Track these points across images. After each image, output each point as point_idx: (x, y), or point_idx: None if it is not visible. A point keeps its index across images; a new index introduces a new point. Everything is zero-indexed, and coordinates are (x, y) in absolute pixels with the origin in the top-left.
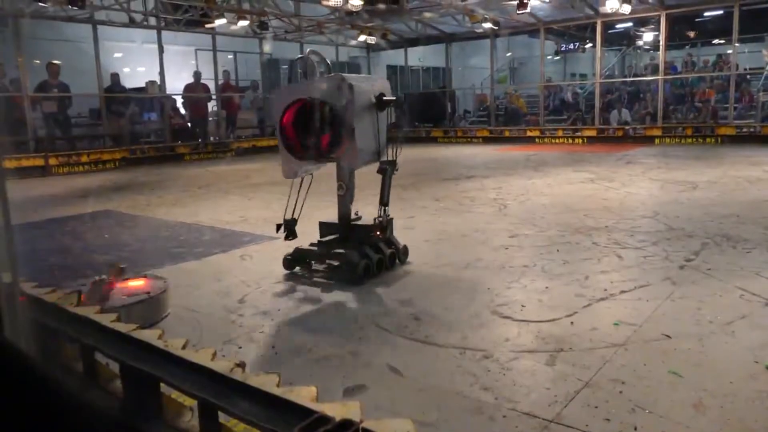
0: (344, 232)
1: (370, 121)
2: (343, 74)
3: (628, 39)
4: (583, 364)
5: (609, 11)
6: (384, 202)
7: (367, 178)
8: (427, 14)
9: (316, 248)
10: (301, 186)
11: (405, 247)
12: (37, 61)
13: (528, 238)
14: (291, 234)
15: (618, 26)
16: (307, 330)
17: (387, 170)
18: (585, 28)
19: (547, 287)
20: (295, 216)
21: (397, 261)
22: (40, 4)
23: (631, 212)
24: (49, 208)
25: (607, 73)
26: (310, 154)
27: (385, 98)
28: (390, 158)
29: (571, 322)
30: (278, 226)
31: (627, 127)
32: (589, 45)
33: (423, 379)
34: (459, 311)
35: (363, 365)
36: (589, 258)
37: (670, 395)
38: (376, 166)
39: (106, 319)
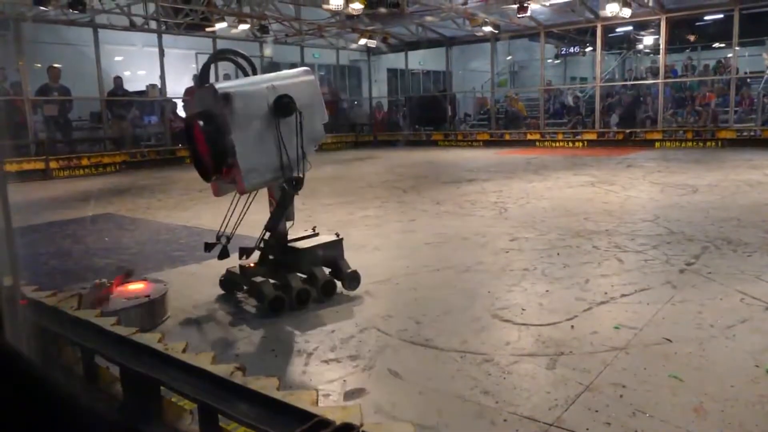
0: (278, 254)
1: (265, 133)
2: (221, 82)
3: (628, 42)
4: (584, 368)
5: (609, 15)
6: (269, 225)
7: (370, 179)
8: (428, 18)
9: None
10: (237, 200)
11: (353, 273)
12: (38, 65)
13: (528, 241)
14: (224, 254)
15: (618, 30)
16: None
17: (285, 190)
18: (585, 31)
19: (547, 291)
20: (228, 233)
21: (343, 288)
22: (41, 7)
23: (631, 216)
24: (50, 211)
25: (608, 76)
26: (207, 176)
27: (286, 101)
28: (298, 174)
29: (572, 326)
30: (207, 246)
31: (627, 131)
32: (590, 48)
33: (423, 383)
34: (459, 314)
35: (364, 368)
36: (589, 261)
37: (671, 399)
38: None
39: (107, 323)
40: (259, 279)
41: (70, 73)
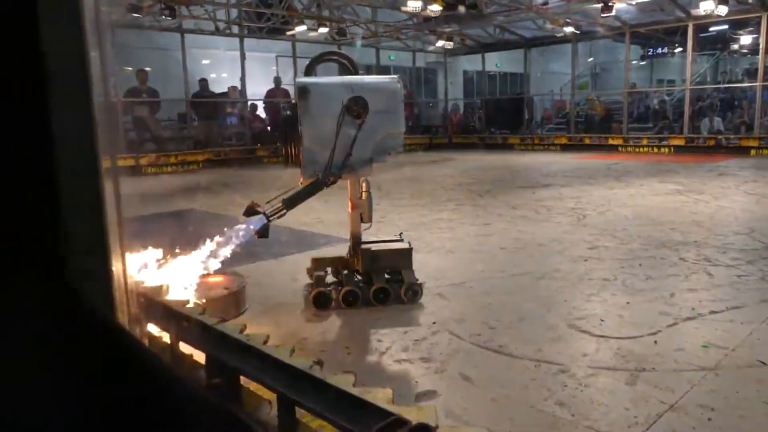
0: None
1: (332, 129)
2: (307, 78)
3: (722, 43)
4: (667, 386)
5: (702, 13)
6: (286, 200)
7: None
8: (507, 18)
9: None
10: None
11: (415, 285)
12: (129, 68)
13: (608, 250)
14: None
15: (711, 29)
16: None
17: (318, 179)
18: (675, 31)
19: (628, 302)
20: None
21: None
22: (135, 15)
23: (723, 227)
24: (139, 206)
25: (698, 79)
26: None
27: (360, 103)
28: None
29: (655, 341)
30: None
31: (719, 137)
32: (679, 49)
33: (496, 389)
34: (534, 322)
35: (436, 371)
36: (675, 274)
37: (766, 428)
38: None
39: (194, 312)
40: (319, 273)
41: (159, 76)
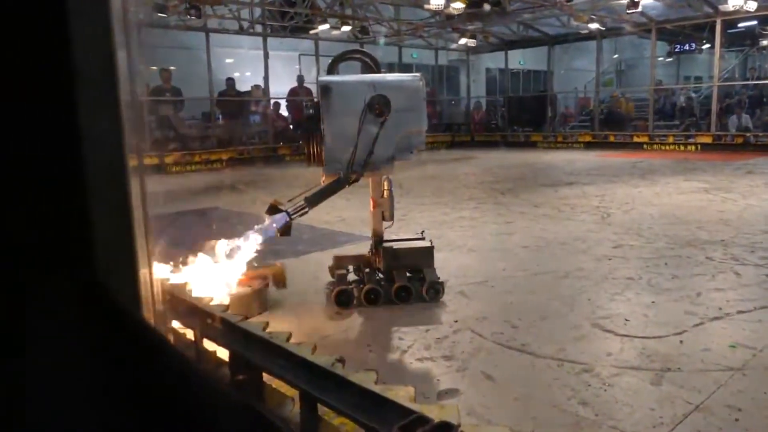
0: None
1: (354, 127)
2: (330, 76)
3: (751, 38)
4: (693, 387)
5: (731, 9)
6: (309, 198)
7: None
8: (530, 15)
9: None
10: None
11: (437, 284)
12: (154, 68)
13: (633, 249)
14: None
15: (740, 25)
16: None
17: (340, 177)
18: (702, 27)
19: (653, 302)
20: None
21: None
22: (161, 14)
23: (751, 226)
24: (163, 204)
25: (726, 75)
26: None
27: (382, 101)
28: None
29: (681, 341)
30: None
31: (748, 135)
32: (707, 46)
33: (518, 389)
34: (557, 321)
35: (458, 369)
36: (701, 273)
37: None
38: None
39: (217, 310)
40: (340, 272)
41: (183, 75)
